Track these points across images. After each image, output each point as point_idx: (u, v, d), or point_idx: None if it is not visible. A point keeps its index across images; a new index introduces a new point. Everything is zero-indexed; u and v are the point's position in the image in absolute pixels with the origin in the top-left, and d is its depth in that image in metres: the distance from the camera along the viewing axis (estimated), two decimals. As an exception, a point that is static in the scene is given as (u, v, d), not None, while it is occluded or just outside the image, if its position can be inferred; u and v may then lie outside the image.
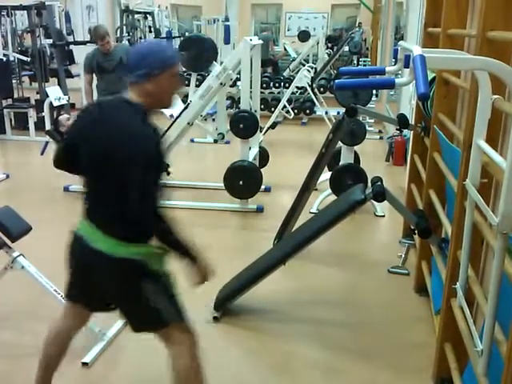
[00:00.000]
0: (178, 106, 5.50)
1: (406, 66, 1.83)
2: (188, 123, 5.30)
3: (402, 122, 4.12)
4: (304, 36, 11.99)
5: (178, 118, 5.29)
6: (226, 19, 12.35)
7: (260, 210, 5.17)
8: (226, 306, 3.30)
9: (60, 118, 4.87)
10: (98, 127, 1.98)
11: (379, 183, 3.07)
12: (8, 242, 3.00)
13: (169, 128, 5.31)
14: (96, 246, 2.00)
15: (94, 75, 5.81)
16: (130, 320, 2.14)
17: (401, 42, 2.49)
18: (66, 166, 2.24)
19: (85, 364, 2.79)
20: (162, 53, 1.97)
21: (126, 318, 2.15)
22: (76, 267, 2.16)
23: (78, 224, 2.13)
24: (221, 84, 5.14)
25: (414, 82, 1.60)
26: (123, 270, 2.02)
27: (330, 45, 12.96)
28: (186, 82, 8.62)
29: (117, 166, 1.92)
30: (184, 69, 6.39)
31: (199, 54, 5.39)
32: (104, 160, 1.94)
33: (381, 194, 2.99)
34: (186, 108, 5.23)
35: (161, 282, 2.07)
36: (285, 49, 12.77)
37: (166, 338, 2.14)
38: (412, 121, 4.31)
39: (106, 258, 1.98)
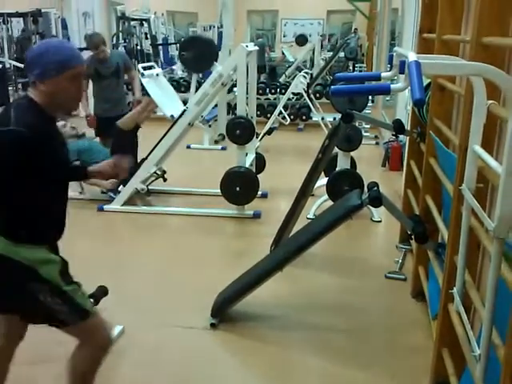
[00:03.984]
0: (178, 106, 5.50)
1: (402, 71, 1.84)
2: (189, 124, 5.29)
3: (397, 127, 4.13)
4: (302, 40, 12.04)
5: (174, 123, 5.29)
6: (222, 26, 12.39)
7: (257, 215, 5.17)
8: (223, 313, 3.29)
9: (59, 123, 4.85)
10: None
11: (376, 188, 3.08)
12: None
13: (167, 132, 5.31)
14: None
15: (89, 81, 5.83)
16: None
17: (396, 48, 2.51)
18: None
19: (82, 371, 2.77)
20: (62, 54, 1.86)
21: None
22: None
23: None
24: (222, 84, 5.14)
25: (410, 87, 1.61)
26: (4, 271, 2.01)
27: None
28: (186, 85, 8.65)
29: None
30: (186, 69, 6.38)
31: (200, 54, 5.41)
32: None
33: (377, 200, 2.99)
34: (181, 115, 5.23)
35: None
36: (283, 53, 12.82)
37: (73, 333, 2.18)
38: (408, 126, 4.32)
39: None
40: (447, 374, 2.49)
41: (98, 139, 5.99)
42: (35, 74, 1.85)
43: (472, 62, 2.10)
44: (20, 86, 10.48)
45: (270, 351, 3.06)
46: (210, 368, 2.90)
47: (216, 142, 6.42)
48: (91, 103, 5.99)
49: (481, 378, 1.96)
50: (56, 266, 2.07)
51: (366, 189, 3.26)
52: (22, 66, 10.00)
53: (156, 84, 5.31)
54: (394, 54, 2.26)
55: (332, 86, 2.05)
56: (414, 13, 6.48)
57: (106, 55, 5.66)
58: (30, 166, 1.84)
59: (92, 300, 2.95)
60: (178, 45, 7.25)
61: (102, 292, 3.05)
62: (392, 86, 1.84)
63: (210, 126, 8.49)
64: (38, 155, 1.84)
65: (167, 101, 5.48)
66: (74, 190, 5.66)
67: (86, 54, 5.88)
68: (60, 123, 5.67)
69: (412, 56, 1.68)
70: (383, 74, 2.33)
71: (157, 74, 5.46)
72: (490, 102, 2.01)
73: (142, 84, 5.53)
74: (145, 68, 5.54)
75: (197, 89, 5.50)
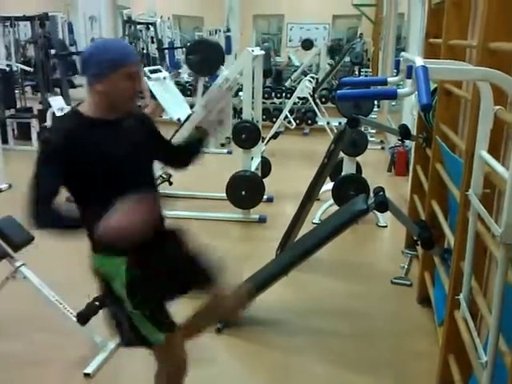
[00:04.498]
0: (185, 109, 5.50)
1: (409, 76, 1.83)
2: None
3: (403, 132, 4.12)
4: (308, 44, 12.04)
5: (180, 127, 5.30)
6: (228, 30, 12.41)
7: (262, 220, 5.17)
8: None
9: None
10: None
11: (382, 193, 3.07)
12: (10, 251, 3.01)
13: (174, 134, 5.32)
14: None
15: None
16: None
17: (403, 53, 2.51)
18: None
19: (87, 375, 2.78)
20: (113, 53, 1.83)
21: None
22: None
23: None
24: (229, 87, 5.14)
25: (417, 92, 1.61)
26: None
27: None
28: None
29: None
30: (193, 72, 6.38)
31: (206, 58, 5.41)
32: None
33: (383, 205, 2.99)
34: (187, 119, 5.24)
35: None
36: (289, 57, 12.82)
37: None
38: (414, 131, 4.31)
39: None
40: (453, 380, 2.48)
41: None
42: (90, 73, 1.84)
43: (479, 68, 2.09)
44: (26, 89, 10.53)
45: (274, 356, 3.06)
46: (215, 372, 2.90)
47: (222, 145, 6.42)
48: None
49: (487, 385, 1.95)
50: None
51: (371, 194, 3.25)
52: (28, 69, 10.05)
53: (163, 87, 5.32)
54: (401, 58, 2.26)
55: (338, 91, 2.05)
56: (420, 18, 6.49)
57: None
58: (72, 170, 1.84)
59: (97, 303, 2.95)
60: (185, 48, 7.25)
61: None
62: (399, 90, 1.84)
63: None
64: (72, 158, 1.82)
65: (174, 104, 5.49)
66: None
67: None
68: None
69: (419, 61, 1.68)
70: (390, 79, 2.33)
71: (164, 78, 5.47)
72: (497, 107, 2.01)
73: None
74: (151, 71, 5.55)
75: (203, 92, 5.51)
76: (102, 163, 1.86)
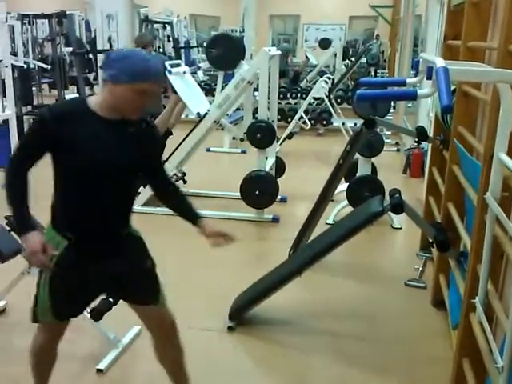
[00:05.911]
0: (204, 104, 5.49)
1: (429, 77, 1.82)
2: (215, 121, 5.29)
3: (420, 134, 4.10)
4: (325, 44, 12.00)
5: (196, 126, 5.30)
6: (244, 30, 12.41)
7: (276, 220, 5.16)
8: (240, 316, 3.29)
9: None
10: None
11: (397, 195, 3.05)
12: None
13: (188, 135, 5.33)
14: None
15: None
16: None
17: (422, 54, 2.49)
18: None
19: (100, 370, 2.79)
20: (140, 65, 1.87)
21: None
22: None
23: None
24: (248, 83, 5.14)
25: (437, 94, 1.59)
26: None
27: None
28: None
29: None
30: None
31: (227, 52, 5.40)
32: None
33: (399, 206, 2.96)
34: (203, 118, 5.25)
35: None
36: (306, 56, 12.77)
37: None
38: (431, 133, 4.29)
39: None
40: (468, 384, 2.46)
41: None
42: (110, 73, 1.89)
43: (501, 70, 2.07)
44: (43, 86, 10.62)
45: (286, 356, 3.05)
46: (226, 371, 2.90)
47: (242, 140, 6.49)
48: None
49: (503, 390, 1.93)
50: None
51: (387, 195, 3.23)
52: (46, 66, 10.14)
53: (183, 81, 5.32)
54: (421, 59, 2.24)
55: (357, 91, 2.04)
56: (438, 19, 6.45)
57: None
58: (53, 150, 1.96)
59: (111, 299, 2.95)
60: (206, 43, 7.28)
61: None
62: (419, 91, 1.83)
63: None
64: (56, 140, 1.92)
65: (194, 98, 5.48)
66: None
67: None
68: None
69: (440, 62, 1.67)
70: (409, 80, 2.31)
71: (184, 72, 5.47)
72: (518, 109, 1.99)
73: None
74: (172, 65, 5.56)
75: (222, 88, 5.49)
76: (84, 156, 1.91)
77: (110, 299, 2.95)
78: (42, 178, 2.30)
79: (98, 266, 2.06)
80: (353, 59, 11.48)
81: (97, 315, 2.88)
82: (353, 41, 16.61)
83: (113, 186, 2.01)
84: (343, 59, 11.53)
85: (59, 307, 2.13)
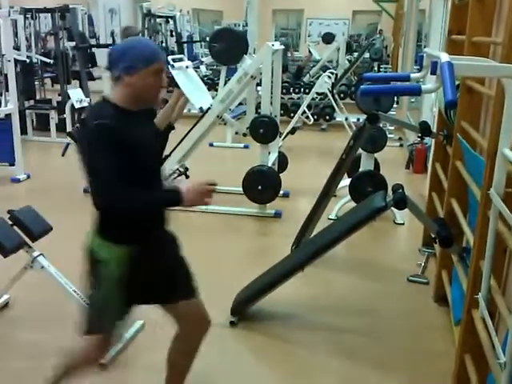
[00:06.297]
0: (207, 99, 5.48)
1: (433, 72, 1.81)
2: (218, 116, 5.28)
3: (424, 129, 4.09)
4: (328, 38, 11.95)
5: (201, 118, 5.29)
6: (247, 24, 12.38)
7: (278, 215, 5.16)
8: (243, 311, 3.29)
9: None
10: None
11: (400, 191, 3.04)
12: (28, 241, 3.03)
13: (191, 130, 5.31)
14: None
15: None
16: None
17: (426, 49, 2.47)
18: None
19: (102, 365, 2.79)
20: (146, 48, 1.94)
21: None
22: None
23: None
24: (251, 77, 5.13)
25: (442, 88, 1.59)
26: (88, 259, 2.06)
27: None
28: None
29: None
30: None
31: (230, 46, 5.37)
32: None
33: (402, 202, 2.96)
34: (205, 113, 5.24)
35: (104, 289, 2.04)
36: (309, 51, 12.73)
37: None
38: (434, 128, 4.27)
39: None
40: (469, 381, 2.45)
41: None
42: (122, 67, 1.91)
43: (505, 64, 2.06)
44: (46, 80, 10.61)
45: (288, 351, 3.05)
46: (228, 365, 2.90)
47: (244, 135, 6.48)
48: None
49: (506, 386, 1.92)
50: None
51: (389, 191, 3.22)
52: (48, 61, 10.12)
53: (185, 76, 5.30)
54: (425, 54, 2.23)
55: (361, 86, 2.03)
56: (441, 14, 6.42)
57: None
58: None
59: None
60: (209, 37, 7.26)
61: None
62: (423, 86, 1.82)
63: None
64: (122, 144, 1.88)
65: (196, 93, 5.47)
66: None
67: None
68: None
69: (445, 57, 1.66)
70: (413, 75, 2.30)
71: (186, 67, 5.46)
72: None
73: (168, 77, 5.52)
74: (174, 60, 5.55)
75: (225, 83, 5.46)
76: (137, 149, 1.93)
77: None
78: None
79: (160, 259, 2.13)
80: (356, 54, 11.45)
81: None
82: (356, 35, 16.55)
83: (158, 174, 2.11)
84: (347, 54, 11.48)
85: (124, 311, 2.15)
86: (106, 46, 6.51)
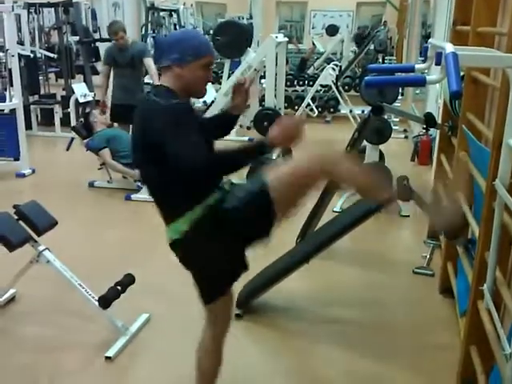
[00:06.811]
0: (210, 93, 5.49)
1: (438, 63, 1.79)
2: (221, 109, 5.28)
3: (429, 120, 4.07)
4: (332, 30, 11.89)
5: (205, 112, 5.29)
6: (251, 17, 12.34)
7: (283, 207, 5.14)
8: (248, 304, 3.29)
9: (93, 111, 4.85)
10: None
11: (406, 182, 3.03)
12: (34, 235, 3.04)
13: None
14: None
15: (111, 69, 5.95)
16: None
17: (431, 40, 2.46)
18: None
19: (108, 358, 2.80)
20: (197, 40, 1.96)
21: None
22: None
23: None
24: (255, 70, 5.12)
25: (447, 79, 1.58)
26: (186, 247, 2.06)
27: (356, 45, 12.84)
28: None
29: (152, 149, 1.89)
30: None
31: (234, 40, 5.35)
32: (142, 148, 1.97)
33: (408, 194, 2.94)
34: (209, 106, 5.23)
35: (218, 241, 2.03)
36: (313, 43, 12.69)
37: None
38: (439, 120, 4.25)
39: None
40: (475, 372, 2.45)
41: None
42: (172, 58, 1.92)
43: (511, 55, 2.04)
44: (50, 75, 10.60)
45: (293, 343, 3.06)
46: (234, 357, 2.90)
47: (248, 128, 6.48)
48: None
49: (511, 378, 1.92)
50: None
51: (394, 183, 3.21)
52: (52, 55, 10.11)
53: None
54: (429, 45, 2.21)
55: (366, 77, 2.02)
56: (446, 5, 6.37)
57: (125, 42, 5.74)
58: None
59: (119, 287, 2.99)
60: (212, 30, 7.23)
61: (128, 280, 3.08)
62: (428, 77, 1.81)
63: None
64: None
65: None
66: (102, 179, 5.72)
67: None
68: (97, 111, 5.76)
69: (449, 47, 1.65)
70: (417, 66, 2.29)
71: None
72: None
73: None
74: None
75: (228, 76, 5.47)
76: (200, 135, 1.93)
77: (118, 287, 2.98)
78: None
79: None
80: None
81: (105, 303, 2.91)
82: (364, 27, 16.46)
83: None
84: (357, 46, 11.41)
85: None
86: (110, 40, 6.51)
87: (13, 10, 5.95)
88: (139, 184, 5.46)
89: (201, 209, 1.97)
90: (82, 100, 7.01)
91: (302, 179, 2.01)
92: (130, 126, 6.28)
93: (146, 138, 1.91)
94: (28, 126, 8.22)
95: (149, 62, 6.09)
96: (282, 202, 2.01)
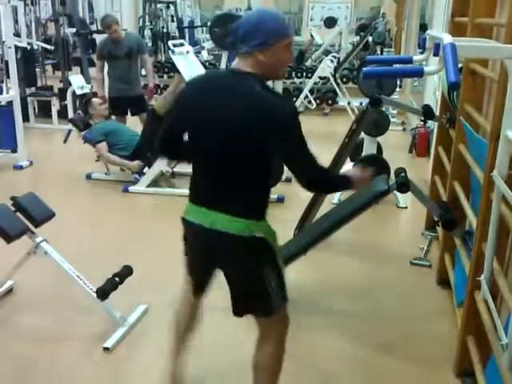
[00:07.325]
0: None
1: (436, 54, 1.79)
2: None
3: (427, 112, 4.07)
4: (330, 22, 11.84)
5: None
6: (249, 9, 12.28)
7: (281, 199, 5.16)
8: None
9: (93, 100, 4.82)
10: (218, 98, 1.92)
11: (403, 174, 3.04)
12: (31, 227, 3.04)
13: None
14: (221, 228, 2.00)
15: (105, 62, 5.95)
16: (238, 301, 2.19)
17: (429, 31, 2.46)
18: (172, 148, 2.24)
19: (106, 349, 2.81)
20: (278, 23, 1.87)
21: (235, 298, 2.20)
22: (193, 251, 2.23)
23: (186, 210, 2.14)
24: None
25: (445, 70, 1.57)
26: (251, 249, 2.05)
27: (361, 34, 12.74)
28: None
29: (256, 140, 1.91)
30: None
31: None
32: (234, 135, 1.91)
33: (405, 185, 2.96)
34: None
35: (276, 261, 2.09)
36: (311, 35, 12.64)
37: (266, 324, 2.23)
38: (437, 112, 4.25)
39: (234, 238, 2.00)
40: (472, 362, 2.47)
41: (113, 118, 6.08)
42: (253, 44, 1.84)
43: (509, 46, 2.04)
44: (47, 67, 10.56)
45: (291, 334, 3.06)
46: (234, 348, 2.92)
47: None
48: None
49: (507, 367, 1.94)
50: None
51: (392, 174, 3.22)
52: (49, 47, 10.07)
53: (186, 61, 5.28)
54: (427, 36, 2.21)
55: (364, 68, 2.02)
56: (445, -4, 6.35)
57: (119, 35, 5.73)
58: None
59: (117, 279, 2.99)
60: (209, 22, 7.21)
61: (126, 271, 3.08)
62: (426, 68, 1.81)
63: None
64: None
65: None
66: (100, 171, 5.72)
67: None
68: (96, 100, 5.73)
69: (447, 38, 1.64)
70: (415, 57, 2.29)
71: (187, 52, 5.43)
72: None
73: (170, 63, 5.53)
74: (175, 45, 5.53)
75: (226, 68, 5.45)
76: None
77: (116, 278, 2.99)
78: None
79: None
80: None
81: (103, 294, 2.91)
82: (370, 18, 16.36)
83: None
84: (361, 37, 11.34)
85: None
86: (97, 32, 6.49)
87: (9, 1, 5.93)
88: (137, 176, 5.46)
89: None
90: (79, 92, 6.98)
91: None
92: (126, 117, 6.25)
93: (267, 136, 1.92)
94: (25, 118, 8.18)
95: (145, 58, 6.10)
96: None
